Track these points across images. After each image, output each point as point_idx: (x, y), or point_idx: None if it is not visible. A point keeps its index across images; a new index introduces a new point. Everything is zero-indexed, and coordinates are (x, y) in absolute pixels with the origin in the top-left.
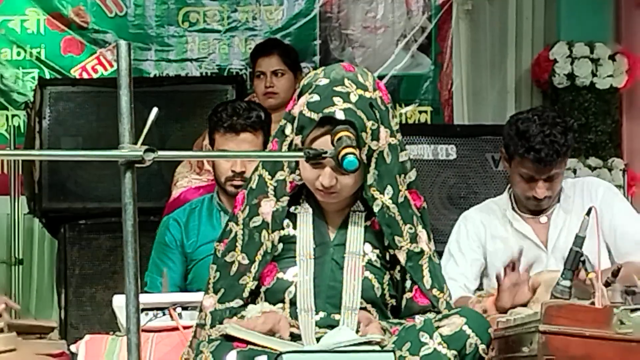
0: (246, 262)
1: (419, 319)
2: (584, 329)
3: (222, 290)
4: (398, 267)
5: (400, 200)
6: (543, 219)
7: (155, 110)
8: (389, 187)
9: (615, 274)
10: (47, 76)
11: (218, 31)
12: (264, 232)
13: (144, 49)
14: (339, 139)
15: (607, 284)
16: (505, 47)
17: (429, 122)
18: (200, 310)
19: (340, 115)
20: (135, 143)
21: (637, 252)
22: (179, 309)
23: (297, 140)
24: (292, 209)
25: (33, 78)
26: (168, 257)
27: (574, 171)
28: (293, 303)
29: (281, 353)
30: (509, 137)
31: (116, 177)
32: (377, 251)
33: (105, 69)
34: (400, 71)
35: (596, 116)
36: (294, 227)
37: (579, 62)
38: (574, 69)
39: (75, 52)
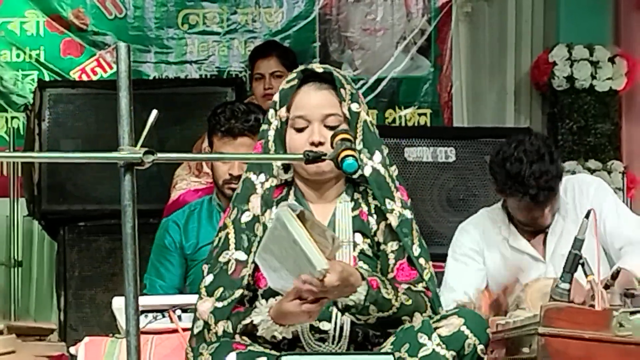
0: (243, 257)
1: (417, 321)
2: (584, 331)
3: (221, 289)
4: (382, 252)
5: (391, 170)
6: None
7: (154, 112)
8: (377, 153)
9: (614, 276)
10: (47, 78)
11: (217, 33)
12: (257, 225)
13: (144, 51)
14: (339, 141)
15: (606, 287)
16: (505, 49)
17: (428, 124)
18: (196, 319)
19: (319, 69)
20: (135, 145)
21: (629, 248)
22: (178, 311)
23: (282, 111)
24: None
25: (32, 80)
26: (167, 259)
27: (573, 173)
28: None
29: (280, 355)
30: (500, 180)
31: (115, 179)
32: (369, 240)
33: (105, 71)
34: (399, 73)
35: (595, 119)
36: None
37: (579, 64)
38: (573, 72)
39: (74, 54)
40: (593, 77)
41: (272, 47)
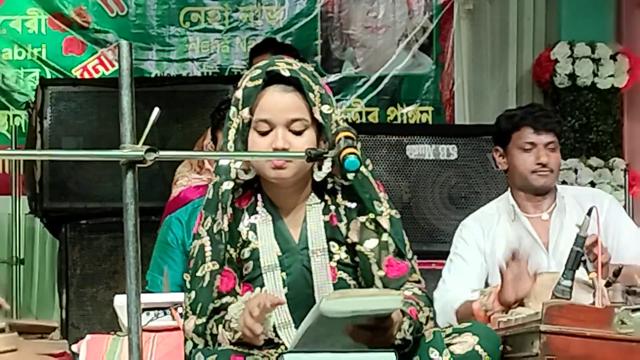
0: (217, 267)
1: (427, 332)
2: (585, 329)
3: (200, 304)
4: (360, 253)
5: (368, 166)
6: (544, 215)
7: (156, 110)
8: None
9: (616, 273)
10: (49, 76)
11: (219, 31)
12: (222, 233)
13: (145, 49)
14: (340, 139)
15: (608, 284)
16: (507, 47)
17: (430, 122)
18: (185, 339)
19: (285, 73)
20: (137, 143)
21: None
22: (180, 309)
23: (245, 112)
24: (251, 219)
25: (34, 78)
26: (169, 256)
27: (575, 171)
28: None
29: (282, 353)
30: (500, 126)
31: (117, 177)
32: (344, 247)
33: (107, 69)
34: (401, 71)
35: (597, 116)
36: (258, 239)
37: (580, 62)
38: (575, 69)
39: (76, 52)
40: (595, 74)
41: (270, 44)
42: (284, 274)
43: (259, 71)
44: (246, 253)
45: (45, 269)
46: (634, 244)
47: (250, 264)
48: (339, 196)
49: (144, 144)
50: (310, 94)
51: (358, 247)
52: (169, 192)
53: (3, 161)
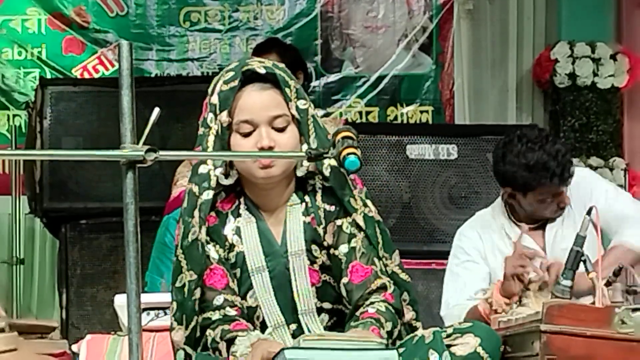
0: (194, 277)
1: (427, 332)
2: (586, 328)
3: (184, 316)
4: (334, 257)
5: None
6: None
7: (156, 110)
8: (332, 149)
9: (616, 273)
10: (48, 76)
11: (219, 31)
12: (198, 244)
13: (145, 49)
14: (341, 139)
15: (608, 284)
16: (507, 46)
17: (430, 122)
18: (176, 350)
19: (261, 70)
20: (137, 143)
21: (626, 225)
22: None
23: (224, 116)
24: (235, 223)
25: (34, 78)
26: (167, 257)
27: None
28: (265, 325)
29: (283, 349)
30: (523, 177)
31: (117, 177)
32: (325, 250)
33: (107, 69)
34: (401, 71)
35: (597, 116)
36: (242, 243)
37: (580, 61)
38: (575, 69)
39: (76, 51)
40: (595, 74)
41: (272, 44)
42: (267, 275)
43: (232, 73)
44: (232, 258)
45: (45, 269)
46: (613, 205)
47: (237, 268)
48: (319, 198)
49: (144, 144)
50: (287, 89)
51: (332, 251)
52: (169, 192)
53: (3, 161)
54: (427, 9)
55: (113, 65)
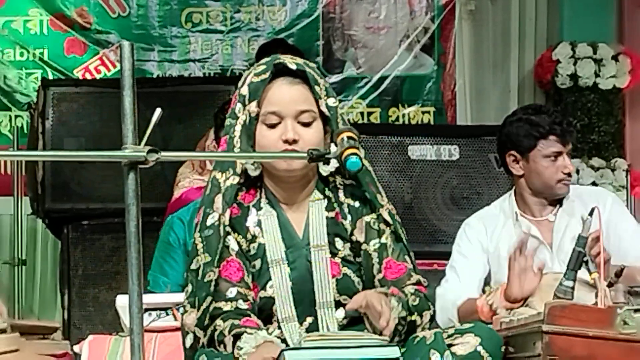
0: (209, 260)
1: (428, 333)
2: (587, 329)
3: (197, 298)
4: (364, 252)
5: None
6: (551, 217)
7: (158, 110)
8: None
9: (618, 274)
10: (50, 77)
11: (221, 32)
12: (220, 227)
13: (147, 50)
14: (342, 139)
15: (610, 284)
16: (508, 47)
17: (431, 122)
18: (186, 332)
19: (292, 66)
20: (139, 144)
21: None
22: (182, 309)
23: (253, 106)
24: (256, 215)
25: (36, 79)
26: (171, 256)
27: (577, 171)
28: None
29: (283, 350)
30: (520, 133)
31: (119, 178)
32: (349, 244)
33: (108, 70)
34: (403, 72)
35: (599, 116)
36: (263, 235)
37: (582, 62)
38: (576, 70)
39: (78, 52)
40: (596, 75)
41: (277, 44)
42: (289, 268)
43: (264, 66)
44: (252, 249)
45: (47, 269)
46: (637, 243)
47: (258, 259)
48: (341, 194)
49: (145, 144)
50: (317, 87)
51: (364, 247)
52: (171, 192)
53: (5, 162)
54: (428, 9)
55: (115, 66)
